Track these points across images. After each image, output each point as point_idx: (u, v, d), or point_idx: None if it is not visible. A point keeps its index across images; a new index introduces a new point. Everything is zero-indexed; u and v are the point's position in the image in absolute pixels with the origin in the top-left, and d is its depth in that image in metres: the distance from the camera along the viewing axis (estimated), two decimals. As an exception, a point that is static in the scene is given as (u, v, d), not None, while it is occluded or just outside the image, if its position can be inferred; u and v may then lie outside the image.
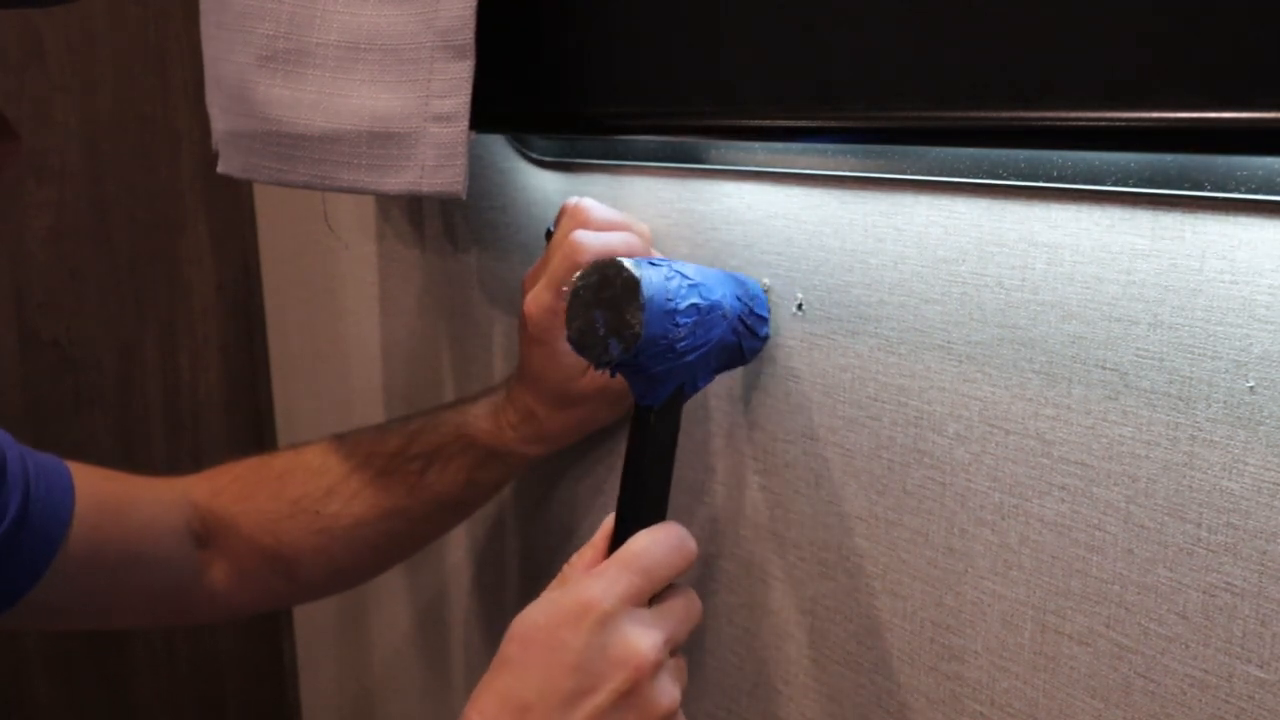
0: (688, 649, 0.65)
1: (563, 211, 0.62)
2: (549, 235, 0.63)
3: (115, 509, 0.66)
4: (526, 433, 0.66)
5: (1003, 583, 0.47)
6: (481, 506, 0.74)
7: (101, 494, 0.65)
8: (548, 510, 0.76)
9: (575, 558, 0.50)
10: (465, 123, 0.55)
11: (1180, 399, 0.40)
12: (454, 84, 0.55)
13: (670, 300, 0.48)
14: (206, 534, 0.70)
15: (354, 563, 0.71)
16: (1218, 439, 0.39)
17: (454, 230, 0.81)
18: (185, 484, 0.71)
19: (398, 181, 0.57)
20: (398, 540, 0.72)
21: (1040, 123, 0.37)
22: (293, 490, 0.69)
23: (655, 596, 0.48)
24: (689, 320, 0.49)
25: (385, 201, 0.88)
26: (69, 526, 0.62)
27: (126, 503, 0.67)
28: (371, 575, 0.78)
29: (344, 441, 0.70)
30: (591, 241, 0.58)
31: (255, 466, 0.72)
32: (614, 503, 0.51)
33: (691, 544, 0.49)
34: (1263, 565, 0.38)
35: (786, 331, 0.56)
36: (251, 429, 1.21)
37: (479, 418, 0.67)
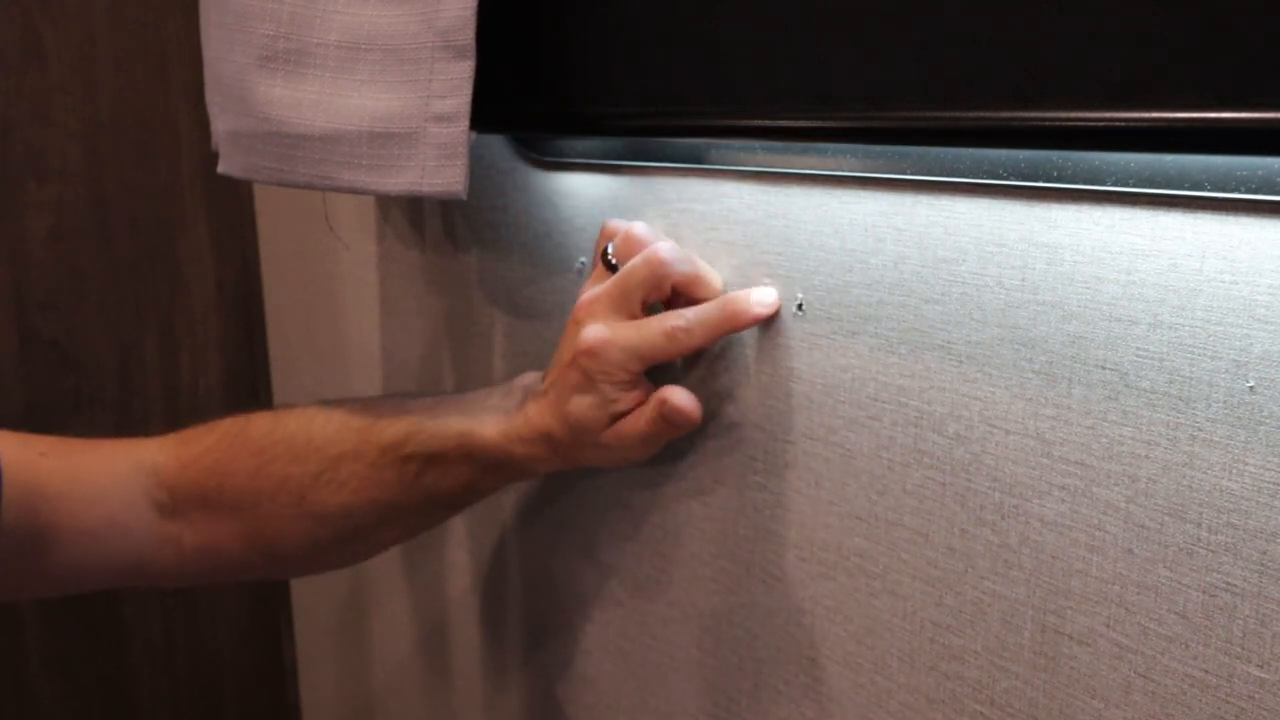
0: (684, 645, 0.65)
1: (625, 241, 0.60)
2: (610, 266, 0.60)
3: (55, 492, 0.62)
4: (539, 452, 0.62)
5: (1003, 583, 0.47)
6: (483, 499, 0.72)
7: (38, 477, 0.61)
8: (549, 509, 0.76)
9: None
10: (466, 123, 0.55)
11: (1180, 399, 0.40)
12: (455, 84, 0.55)
13: None
14: (174, 506, 0.66)
15: (338, 545, 0.67)
16: (1218, 439, 0.39)
17: (454, 230, 0.81)
18: (145, 450, 0.67)
19: (398, 182, 0.57)
20: (390, 529, 0.68)
21: (1040, 123, 0.37)
22: (274, 470, 0.65)
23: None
24: None
25: (385, 201, 0.88)
26: None
27: (70, 481, 0.63)
28: (359, 559, 0.74)
29: (331, 418, 0.65)
30: (698, 335, 0.57)
31: (229, 438, 0.67)
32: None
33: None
34: (1263, 565, 0.38)
35: (787, 331, 0.56)
36: (251, 429, 1.21)
37: (485, 425, 0.63)
